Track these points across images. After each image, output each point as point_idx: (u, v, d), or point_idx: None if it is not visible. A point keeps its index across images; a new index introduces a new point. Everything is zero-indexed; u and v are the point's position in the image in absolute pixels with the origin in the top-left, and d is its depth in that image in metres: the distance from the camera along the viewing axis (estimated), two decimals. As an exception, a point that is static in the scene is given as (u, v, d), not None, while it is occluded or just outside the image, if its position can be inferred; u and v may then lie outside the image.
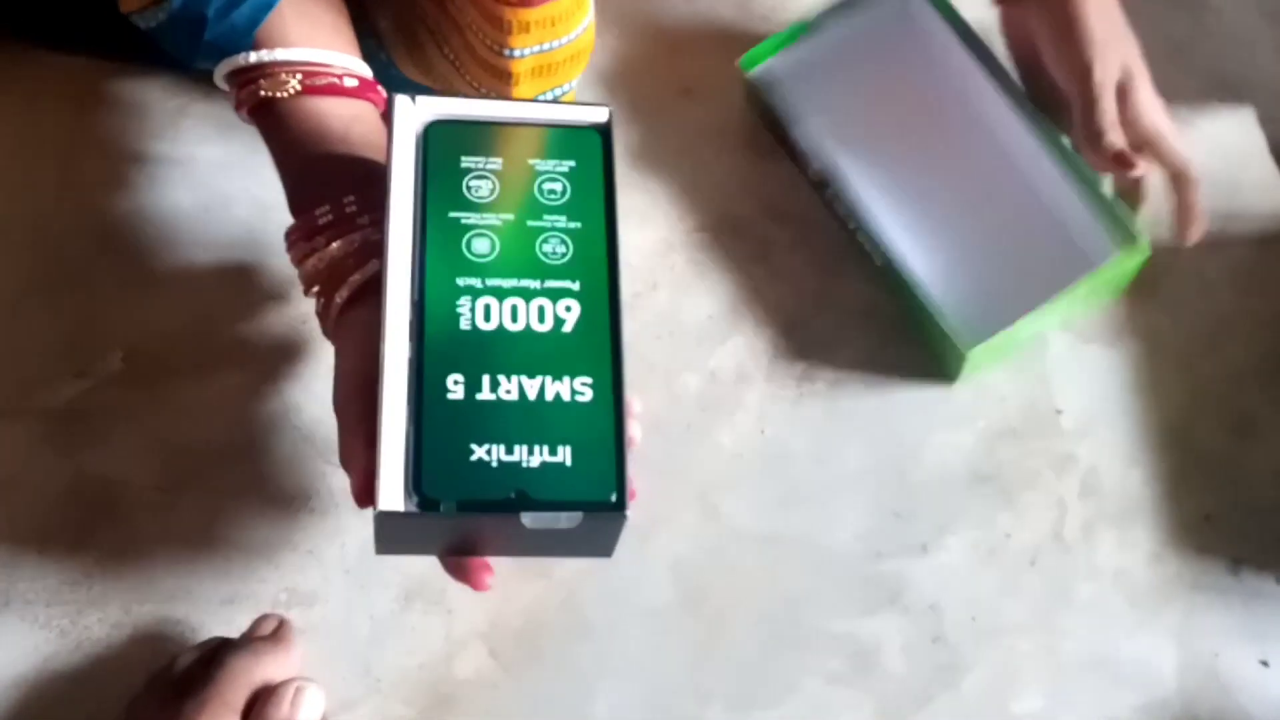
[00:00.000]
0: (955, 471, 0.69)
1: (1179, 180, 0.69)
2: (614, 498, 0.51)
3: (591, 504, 0.51)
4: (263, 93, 0.59)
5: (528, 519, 0.51)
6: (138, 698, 0.57)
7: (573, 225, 0.57)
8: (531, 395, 0.53)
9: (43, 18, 0.75)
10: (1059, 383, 0.72)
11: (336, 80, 0.61)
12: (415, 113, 0.57)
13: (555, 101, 0.66)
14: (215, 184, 0.73)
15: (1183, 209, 0.70)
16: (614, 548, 0.55)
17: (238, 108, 0.61)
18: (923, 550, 0.67)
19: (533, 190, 0.58)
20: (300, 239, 0.59)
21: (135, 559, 0.63)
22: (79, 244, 0.71)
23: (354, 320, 0.57)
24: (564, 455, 0.52)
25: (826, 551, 0.67)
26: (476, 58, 0.67)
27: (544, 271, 0.56)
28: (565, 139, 0.59)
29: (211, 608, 0.63)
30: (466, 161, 0.58)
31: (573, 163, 0.59)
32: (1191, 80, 0.84)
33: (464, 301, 0.54)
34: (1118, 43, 0.68)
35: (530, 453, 0.51)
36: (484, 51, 0.66)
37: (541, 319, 0.55)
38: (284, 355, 0.69)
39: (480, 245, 0.56)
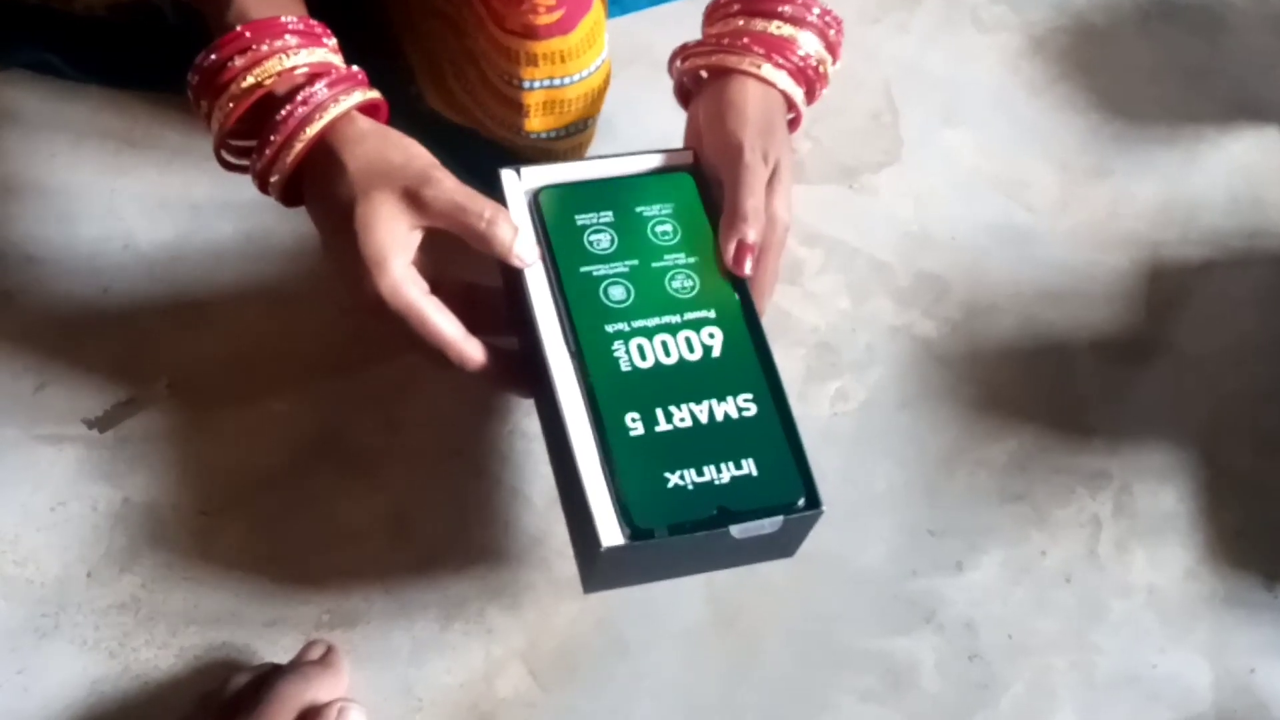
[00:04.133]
0: (987, 489, 0.70)
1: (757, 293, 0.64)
2: (804, 499, 0.56)
3: (787, 506, 0.56)
4: None
5: (736, 530, 0.55)
6: (189, 717, 0.58)
7: (692, 259, 0.62)
8: (704, 419, 0.58)
9: (90, 54, 0.76)
10: (1088, 400, 0.73)
11: None
12: (521, 184, 0.63)
13: (643, 151, 0.68)
14: (256, 216, 0.74)
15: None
16: (798, 547, 0.60)
17: None
18: (957, 568, 0.68)
19: (647, 234, 0.63)
20: (252, 45, 0.57)
21: (181, 582, 0.64)
22: (126, 273, 0.72)
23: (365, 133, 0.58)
24: (749, 467, 0.56)
25: (860, 570, 0.67)
26: (490, 87, 0.68)
27: (680, 306, 0.61)
28: (661, 184, 0.65)
29: (256, 629, 0.64)
30: (581, 219, 0.63)
31: (673, 204, 0.64)
32: (1212, 103, 0.85)
33: (618, 346, 0.59)
34: (771, 137, 0.64)
35: (719, 471, 0.56)
36: (497, 81, 0.67)
37: (690, 349, 0.60)
38: (325, 380, 0.70)
39: (616, 292, 0.61)
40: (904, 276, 0.76)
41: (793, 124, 0.68)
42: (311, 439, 0.68)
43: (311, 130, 0.57)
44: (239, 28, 0.57)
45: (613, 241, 0.63)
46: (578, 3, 0.63)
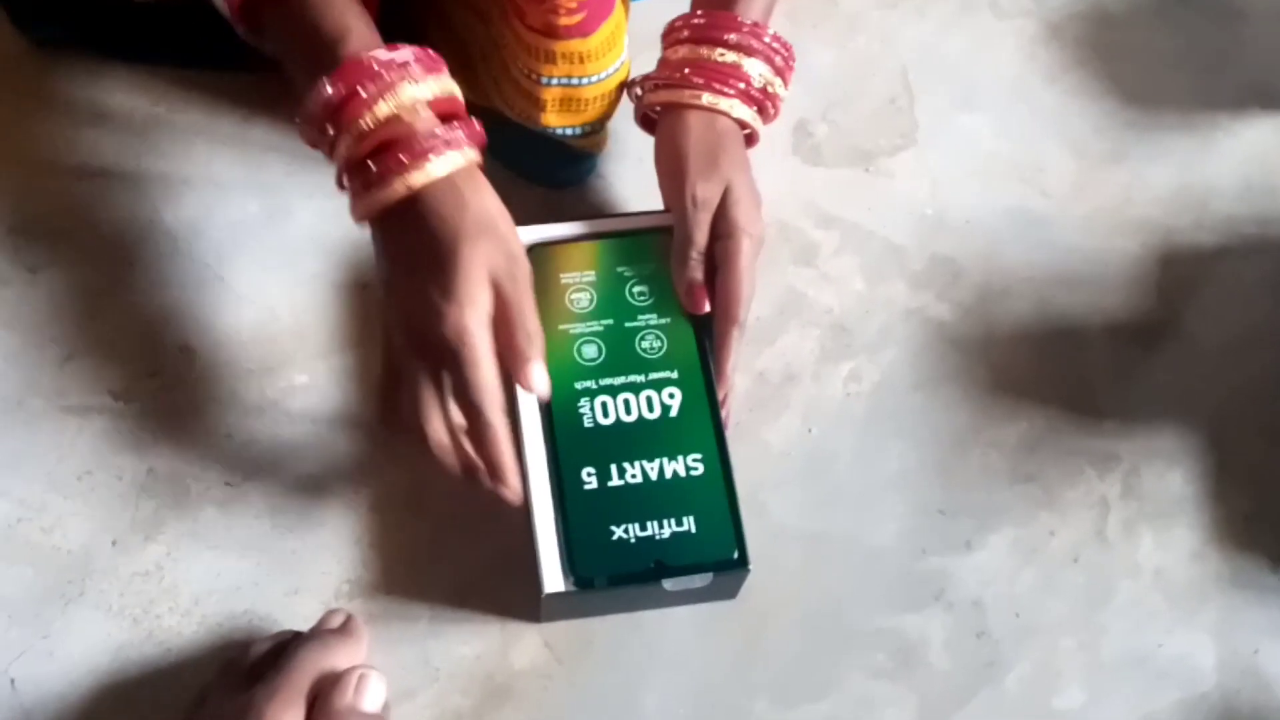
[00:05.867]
0: (998, 470, 0.71)
1: (723, 324, 0.66)
2: (736, 555, 0.61)
3: (719, 563, 0.61)
4: None
5: (668, 584, 0.61)
6: (211, 683, 0.59)
7: (663, 320, 0.66)
8: (654, 476, 0.62)
9: (113, 29, 0.77)
10: (1100, 384, 0.73)
11: None
12: None
13: (629, 214, 0.74)
14: (282, 192, 0.75)
15: (716, 347, 0.66)
16: (738, 592, 0.64)
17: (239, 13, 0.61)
18: (966, 547, 0.68)
19: (624, 294, 0.67)
20: (365, 82, 0.57)
21: (204, 551, 0.66)
22: (151, 248, 0.73)
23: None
24: (689, 524, 0.61)
25: (871, 549, 0.68)
26: (511, 79, 0.69)
27: (646, 366, 0.65)
28: (643, 244, 0.69)
29: (277, 598, 0.65)
30: (565, 278, 0.67)
31: (654, 265, 0.68)
32: (1227, 89, 0.85)
33: (584, 403, 0.64)
34: (715, 164, 0.66)
35: (661, 526, 0.61)
36: (517, 74, 0.68)
37: (650, 408, 0.64)
38: (346, 355, 0.71)
39: (589, 350, 0.65)
40: (919, 260, 0.77)
41: (750, 140, 0.71)
42: (332, 411, 0.70)
43: (436, 168, 0.57)
44: (363, 57, 0.57)
45: (591, 300, 0.67)
46: (599, 6, 0.64)
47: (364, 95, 0.56)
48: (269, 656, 0.59)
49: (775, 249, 0.76)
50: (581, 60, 0.66)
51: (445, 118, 0.59)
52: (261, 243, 0.74)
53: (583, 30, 0.64)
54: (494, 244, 0.57)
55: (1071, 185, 0.81)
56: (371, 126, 0.57)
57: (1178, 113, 0.84)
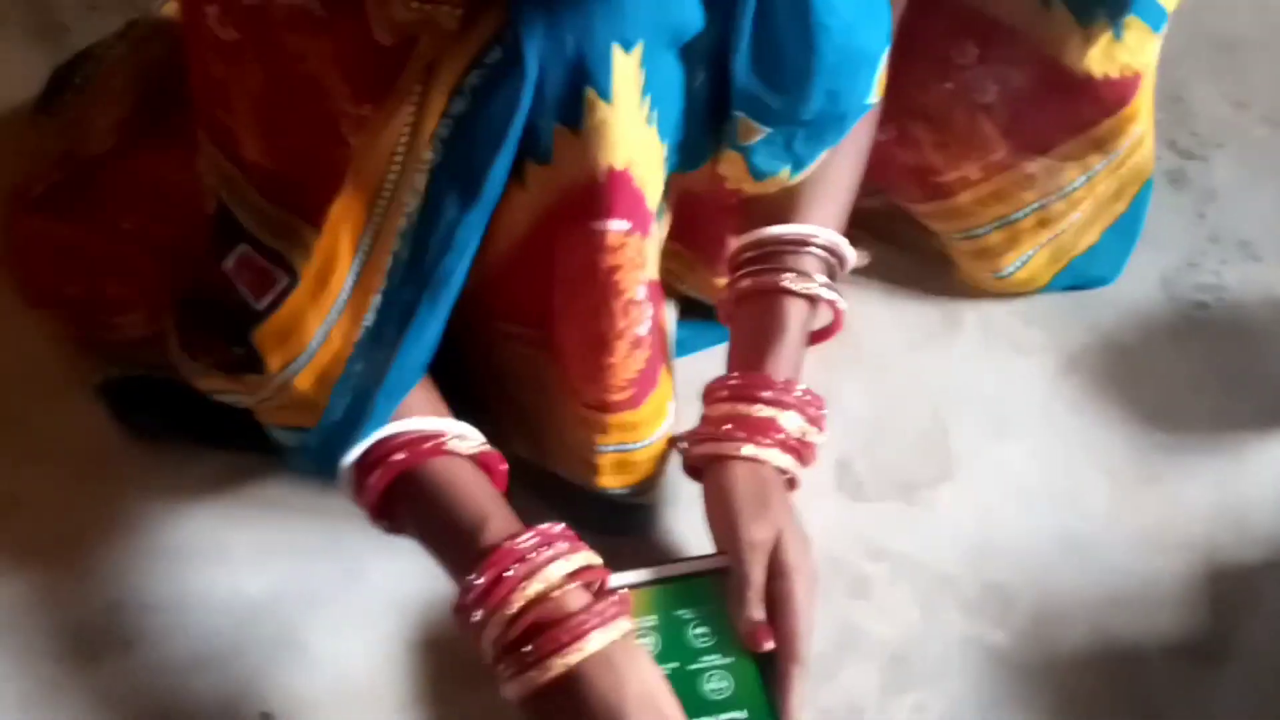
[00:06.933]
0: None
1: (786, 662, 0.68)
2: None
3: None
4: (399, 456, 0.65)
5: None
6: None
7: (727, 660, 0.68)
8: None
9: (201, 418, 0.83)
10: (1164, 705, 0.73)
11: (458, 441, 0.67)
12: None
13: (685, 558, 0.77)
14: (358, 555, 0.80)
15: (781, 687, 0.68)
16: None
17: (369, 493, 0.66)
18: None
19: (686, 637, 0.69)
20: (499, 574, 0.61)
21: None
22: (232, 617, 0.77)
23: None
24: None
25: None
26: (567, 446, 0.75)
27: (713, 708, 0.66)
28: (701, 587, 0.71)
29: None
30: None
31: (712, 605, 0.70)
32: (1250, 407, 0.89)
33: None
34: (765, 509, 0.71)
35: None
36: (573, 443, 0.74)
37: None
38: (416, 710, 0.73)
39: None
40: (971, 588, 0.79)
41: (791, 484, 0.75)
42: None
43: (592, 645, 0.61)
44: (505, 544, 0.62)
45: (656, 645, 0.69)
46: (646, 383, 0.71)
47: (513, 575, 0.61)
48: None
49: (828, 583, 0.78)
50: (634, 428, 0.72)
51: (589, 587, 0.63)
52: (339, 604, 0.78)
53: (632, 404, 0.71)
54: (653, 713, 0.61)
55: (1110, 508, 0.84)
56: (523, 607, 0.60)
57: (1205, 433, 0.88)
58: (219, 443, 0.84)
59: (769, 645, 0.68)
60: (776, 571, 0.70)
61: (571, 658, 0.60)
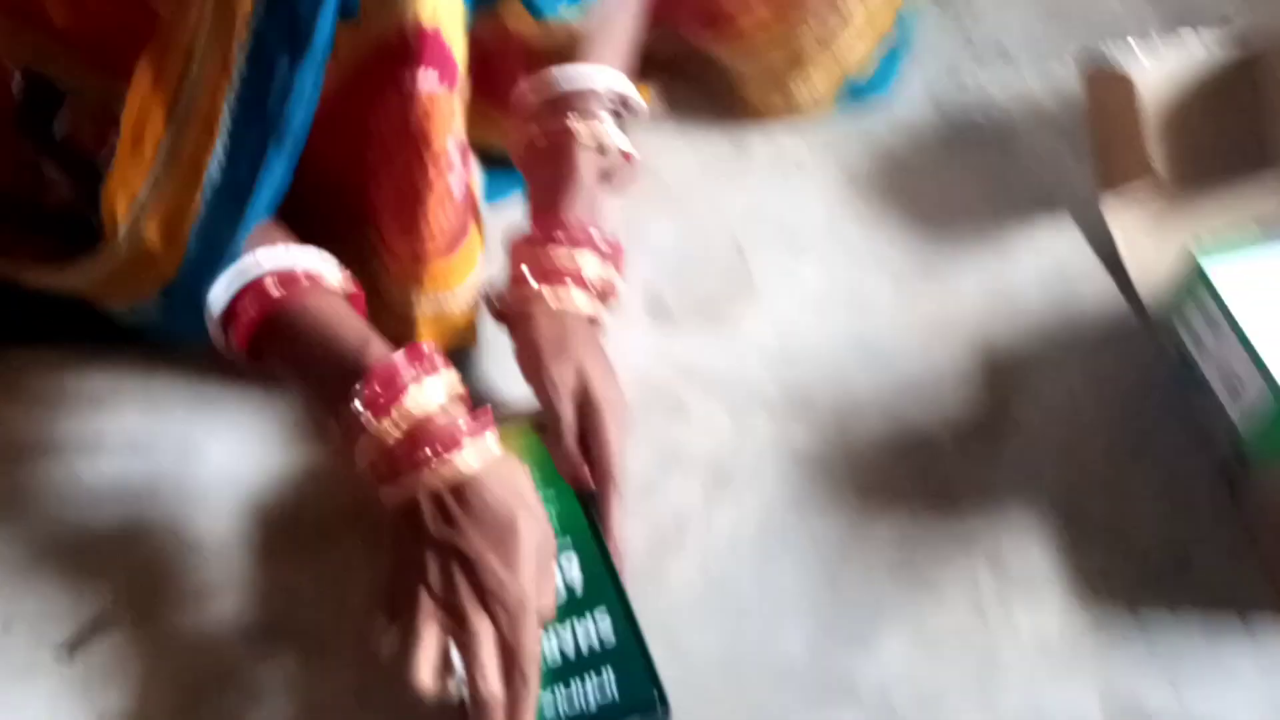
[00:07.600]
0: (878, 568, 0.78)
1: (602, 486, 0.74)
2: (655, 693, 0.67)
3: (639, 702, 0.67)
4: (275, 293, 0.68)
5: None
6: None
7: (548, 492, 0.72)
8: (568, 641, 0.68)
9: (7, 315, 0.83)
10: (954, 476, 0.82)
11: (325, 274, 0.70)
12: None
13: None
14: (191, 436, 0.81)
15: (602, 513, 0.74)
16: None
17: (239, 335, 0.69)
18: (865, 643, 0.75)
19: None
20: (381, 392, 0.64)
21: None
22: (72, 505, 0.78)
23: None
24: (607, 676, 0.67)
25: (782, 662, 0.74)
26: (385, 305, 0.77)
27: None
28: (526, 434, 0.76)
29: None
30: None
31: (536, 449, 0.75)
32: (1010, 204, 0.97)
33: None
34: (567, 351, 0.75)
35: (583, 684, 0.67)
36: (390, 301, 0.77)
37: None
38: (277, 565, 0.76)
39: None
40: (776, 396, 0.86)
41: (594, 322, 0.79)
42: (264, 626, 0.74)
43: (488, 443, 0.66)
44: (393, 358, 0.65)
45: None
46: (458, 232, 0.74)
47: (403, 380, 0.64)
48: None
49: (648, 408, 0.84)
50: (446, 276, 0.76)
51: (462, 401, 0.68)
52: (177, 487, 0.80)
53: (446, 251, 0.74)
54: (537, 522, 0.66)
55: (895, 308, 0.91)
56: (415, 411, 0.64)
57: (976, 231, 0.96)
58: (30, 337, 0.83)
59: (587, 477, 0.74)
60: (586, 408, 0.74)
61: (468, 455, 0.64)
